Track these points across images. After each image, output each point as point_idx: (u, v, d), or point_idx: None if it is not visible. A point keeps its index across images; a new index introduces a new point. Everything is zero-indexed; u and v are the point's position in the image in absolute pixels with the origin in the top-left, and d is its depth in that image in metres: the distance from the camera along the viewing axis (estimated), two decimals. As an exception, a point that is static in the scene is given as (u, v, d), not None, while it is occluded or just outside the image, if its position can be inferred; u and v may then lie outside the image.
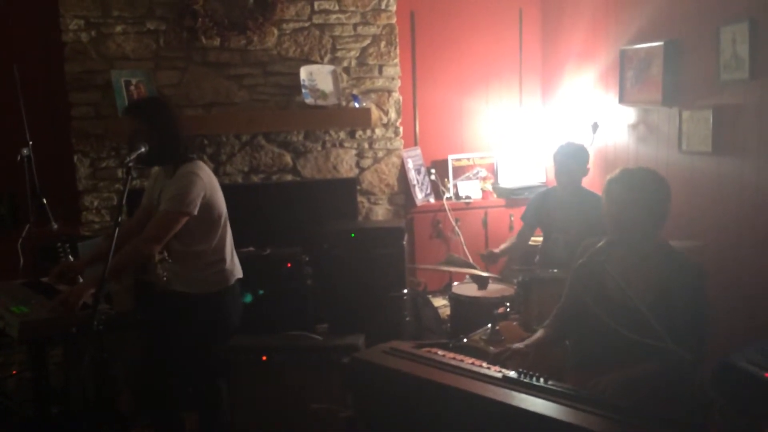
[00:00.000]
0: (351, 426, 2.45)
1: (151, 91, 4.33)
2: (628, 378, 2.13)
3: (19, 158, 3.58)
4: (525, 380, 2.10)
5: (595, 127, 4.30)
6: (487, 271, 3.75)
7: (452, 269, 4.02)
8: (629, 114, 4.09)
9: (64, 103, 4.39)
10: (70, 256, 3.28)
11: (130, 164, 2.52)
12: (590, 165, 3.66)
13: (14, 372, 3.73)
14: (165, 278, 2.66)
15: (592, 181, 3.76)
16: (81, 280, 3.12)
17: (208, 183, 2.73)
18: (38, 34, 4.45)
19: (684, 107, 3.54)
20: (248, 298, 2.74)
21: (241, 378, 3.25)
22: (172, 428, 2.97)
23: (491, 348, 2.88)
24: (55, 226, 3.67)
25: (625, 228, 2.30)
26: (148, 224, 2.70)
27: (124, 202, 2.49)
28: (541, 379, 2.09)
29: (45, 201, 3.69)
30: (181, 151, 2.76)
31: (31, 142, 3.62)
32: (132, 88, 4.29)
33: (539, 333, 2.56)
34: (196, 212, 2.66)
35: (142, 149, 2.59)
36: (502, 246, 3.87)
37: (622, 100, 4.10)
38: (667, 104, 3.66)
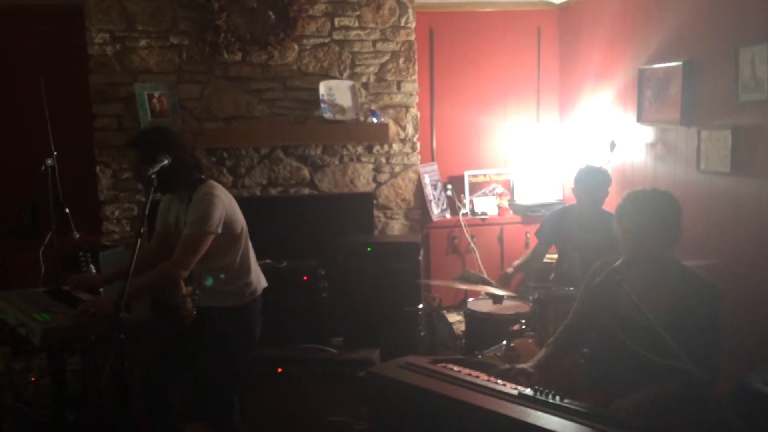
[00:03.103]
0: (366, 439, 2.46)
1: (173, 104, 4.41)
2: (648, 399, 2.12)
3: (43, 168, 3.64)
4: (540, 398, 2.10)
5: (612, 145, 4.30)
6: (502, 288, 3.76)
7: (467, 286, 4.03)
8: (647, 133, 4.09)
9: (88, 114, 4.48)
10: (91, 266, 3.32)
11: (153, 176, 2.55)
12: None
13: (33, 379, 3.78)
14: (194, 312, 2.67)
15: (610, 200, 3.76)
16: (101, 290, 3.17)
17: (226, 200, 2.76)
18: (64, 47, 4.56)
19: (702, 127, 3.53)
20: (209, 282, 2.75)
21: (256, 390, 3.28)
22: None
23: (503, 366, 2.87)
24: (77, 236, 3.71)
25: (641, 249, 2.30)
26: (175, 250, 2.71)
27: (146, 212, 2.53)
28: (557, 397, 2.09)
29: (67, 210, 3.74)
30: (191, 174, 2.77)
31: (55, 153, 3.69)
32: (155, 101, 4.36)
33: (542, 352, 2.56)
34: (219, 231, 2.69)
35: (165, 162, 2.62)
36: (516, 262, 3.88)
37: (640, 119, 4.10)
38: (685, 124, 3.66)
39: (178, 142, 2.77)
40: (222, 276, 2.76)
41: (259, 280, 2.90)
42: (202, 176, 2.83)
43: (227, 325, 2.78)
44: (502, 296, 3.66)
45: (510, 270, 3.84)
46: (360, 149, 4.72)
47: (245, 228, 2.86)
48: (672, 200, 2.33)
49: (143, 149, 2.70)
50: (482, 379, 2.27)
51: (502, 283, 3.78)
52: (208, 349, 2.77)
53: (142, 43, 4.46)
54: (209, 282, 2.75)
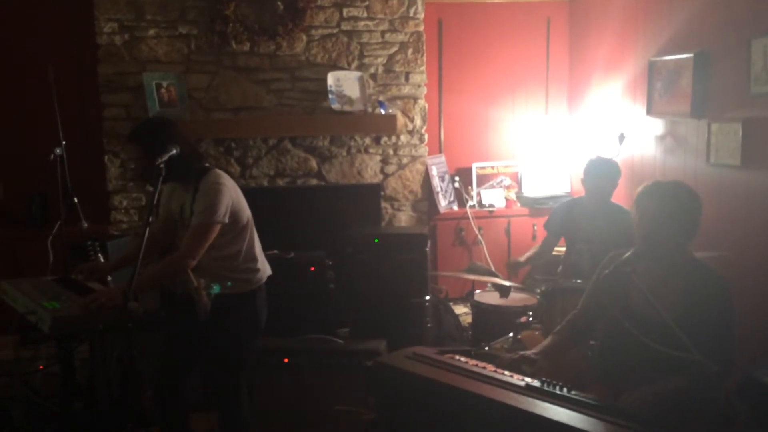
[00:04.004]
0: (373, 429, 2.46)
1: (181, 94, 4.41)
2: (657, 394, 2.11)
3: (52, 157, 3.65)
4: (548, 389, 2.09)
5: (621, 138, 4.28)
6: (509, 279, 3.75)
7: (474, 277, 4.02)
8: (657, 125, 4.06)
9: (97, 104, 4.48)
10: (99, 255, 3.33)
11: (162, 165, 2.56)
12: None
13: (41, 367, 3.80)
14: (210, 305, 2.69)
15: (618, 193, 3.74)
16: (109, 279, 3.18)
17: (232, 190, 2.79)
18: (73, 36, 4.56)
19: (713, 119, 3.51)
20: (217, 289, 2.75)
21: (263, 379, 3.29)
22: (182, 429, 2.99)
23: (508, 354, 2.87)
24: (85, 225, 3.73)
25: (656, 241, 2.29)
26: (183, 240, 2.73)
27: (154, 202, 2.54)
28: (564, 389, 2.08)
29: (76, 200, 3.75)
30: (193, 163, 2.78)
31: (64, 142, 3.69)
32: (163, 90, 4.36)
33: (548, 340, 2.56)
34: (227, 220, 2.71)
35: (174, 151, 2.64)
36: (526, 254, 3.87)
37: (650, 111, 4.08)
38: (695, 116, 3.63)
39: (179, 133, 2.78)
40: (229, 284, 2.78)
41: (264, 267, 2.93)
42: (207, 165, 2.84)
43: (235, 311, 2.80)
44: (509, 289, 3.65)
45: (521, 259, 3.84)
46: (368, 140, 4.71)
47: (251, 217, 2.88)
48: (693, 195, 2.32)
49: (146, 142, 2.71)
50: (489, 370, 2.27)
51: (511, 270, 3.78)
52: (216, 337, 2.79)
53: (151, 32, 4.46)
54: (217, 290, 2.77)
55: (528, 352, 2.46)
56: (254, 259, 2.86)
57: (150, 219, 2.47)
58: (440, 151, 5.05)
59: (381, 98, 4.64)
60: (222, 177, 2.78)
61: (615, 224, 3.46)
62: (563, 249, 3.92)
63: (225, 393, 2.90)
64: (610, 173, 3.59)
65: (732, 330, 2.22)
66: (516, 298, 3.69)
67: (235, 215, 2.76)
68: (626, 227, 3.16)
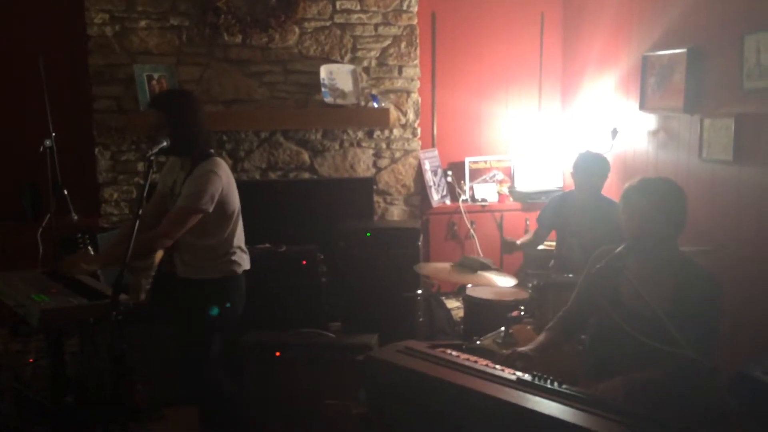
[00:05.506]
0: (364, 423, 2.46)
1: (172, 86, 4.37)
2: (634, 382, 2.13)
3: (41, 149, 3.62)
4: (539, 383, 2.09)
5: (614, 133, 4.28)
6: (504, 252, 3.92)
7: (463, 273, 4.03)
8: (650, 120, 4.07)
9: (87, 95, 4.45)
10: (89, 247, 3.31)
11: (152, 157, 2.55)
12: (610, 172, 3.67)
13: (31, 360, 3.78)
14: (143, 297, 2.73)
15: (610, 188, 3.75)
16: (99, 271, 3.18)
17: (225, 180, 2.78)
18: (63, 27, 4.52)
19: (705, 115, 3.51)
20: (215, 311, 2.79)
21: (254, 373, 3.28)
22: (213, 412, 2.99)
23: (503, 351, 2.87)
24: (75, 218, 3.71)
25: (643, 236, 2.30)
26: (163, 219, 2.74)
27: (144, 194, 2.53)
28: (555, 383, 2.09)
29: (66, 192, 3.73)
30: (199, 145, 2.80)
31: (54, 134, 3.66)
32: (154, 82, 4.33)
33: (542, 336, 2.56)
34: (211, 209, 2.71)
35: (164, 143, 2.63)
36: (521, 240, 3.96)
37: (643, 106, 4.08)
38: (688, 111, 3.63)
39: (202, 113, 2.83)
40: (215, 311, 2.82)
41: (241, 262, 2.93)
42: (211, 151, 2.85)
43: (206, 296, 2.80)
44: (514, 244, 3.89)
45: (518, 242, 3.92)
46: (360, 134, 4.69)
47: (238, 210, 2.90)
48: (676, 188, 2.34)
49: (172, 112, 2.74)
50: (480, 363, 2.27)
51: (505, 247, 3.97)
52: (191, 323, 2.79)
53: (142, 24, 4.42)
54: (215, 312, 2.81)
55: (523, 349, 2.46)
56: (232, 252, 2.88)
57: (140, 211, 2.46)
58: (433, 146, 5.04)
59: (374, 92, 4.62)
60: (218, 166, 2.78)
61: (605, 217, 3.47)
62: (554, 243, 3.93)
63: (204, 385, 2.89)
64: (599, 168, 3.61)
65: (717, 326, 2.24)
66: (508, 292, 3.70)
67: (221, 206, 2.76)
68: (617, 221, 3.16)
